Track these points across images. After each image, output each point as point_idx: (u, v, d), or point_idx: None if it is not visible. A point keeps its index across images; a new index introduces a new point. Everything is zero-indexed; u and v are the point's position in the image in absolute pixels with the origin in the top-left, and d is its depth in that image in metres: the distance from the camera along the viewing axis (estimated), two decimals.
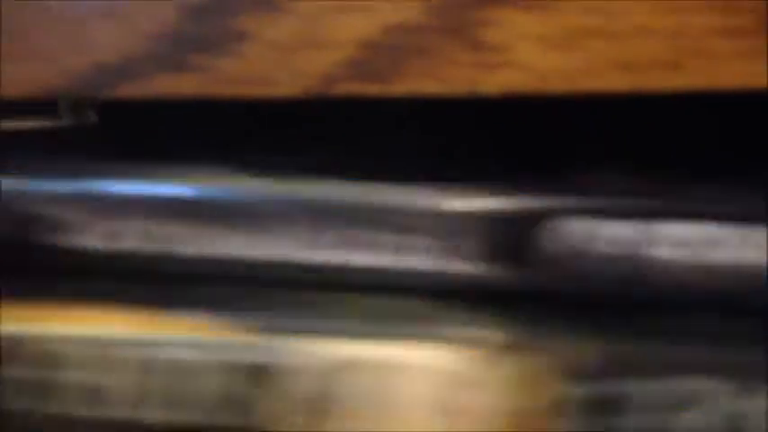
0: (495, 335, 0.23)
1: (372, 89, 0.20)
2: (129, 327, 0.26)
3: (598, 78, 0.19)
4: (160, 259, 0.26)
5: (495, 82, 0.19)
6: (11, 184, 0.26)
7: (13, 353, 0.25)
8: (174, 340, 0.25)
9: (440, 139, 0.25)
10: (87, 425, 0.25)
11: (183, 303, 0.26)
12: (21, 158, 0.26)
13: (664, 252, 0.22)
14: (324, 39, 0.20)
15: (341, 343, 0.24)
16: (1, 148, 0.25)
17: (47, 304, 0.26)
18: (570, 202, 0.23)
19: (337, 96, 0.20)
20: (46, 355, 0.25)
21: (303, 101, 0.20)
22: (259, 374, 0.24)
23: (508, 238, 0.23)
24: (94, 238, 0.26)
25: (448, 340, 0.23)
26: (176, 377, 0.24)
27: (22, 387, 0.25)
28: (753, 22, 0.17)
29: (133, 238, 0.26)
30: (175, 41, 0.21)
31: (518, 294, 0.23)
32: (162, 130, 0.26)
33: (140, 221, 0.26)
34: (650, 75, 0.18)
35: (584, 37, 0.19)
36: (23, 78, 0.22)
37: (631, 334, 0.23)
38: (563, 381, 0.22)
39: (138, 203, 0.26)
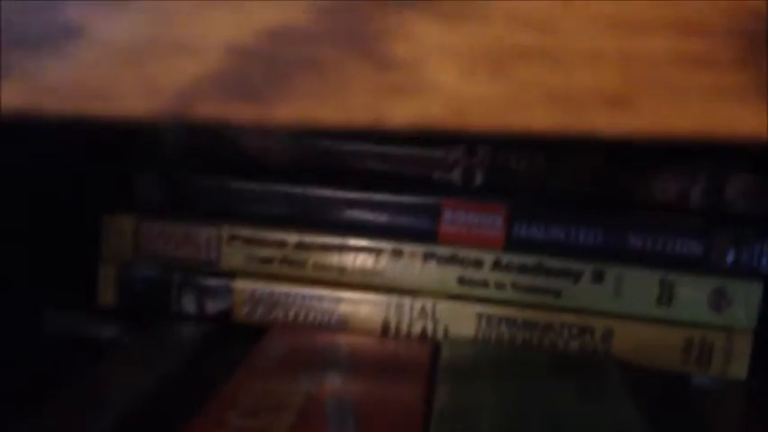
0: None
1: (246, 112, 0.15)
2: None
3: (527, 114, 0.15)
4: None
5: (402, 112, 0.15)
6: None
7: None
8: None
9: None
10: None
11: None
12: None
13: None
14: (182, 42, 0.15)
15: None
16: None
17: None
18: None
19: (197, 120, 0.15)
20: None
21: (151, 124, 0.15)
22: None
23: None
24: None
25: None
26: None
27: None
28: (730, 48, 0.14)
29: None
30: None
31: None
32: None
33: None
34: (593, 113, 0.14)
35: (514, 59, 0.15)
36: None
37: None
38: None
39: None
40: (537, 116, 0.14)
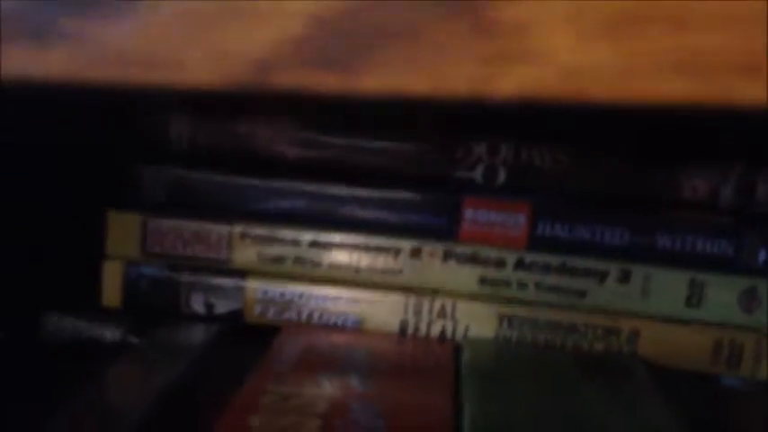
0: None
1: (329, 81, 0.14)
2: None
3: (651, 82, 0.13)
4: None
5: (509, 82, 0.13)
6: None
7: None
8: None
9: None
10: None
11: None
12: None
13: None
14: (259, 7, 0.14)
15: None
16: None
17: None
18: None
19: (276, 89, 0.14)
20: None
21: (227, 94, 0.14)
22: None
23: None
24: None
25: None
26: None
27: None
28: None
29: None
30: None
31: None
32: None
33: None
34: (725, 81, 0.13)
35: (635, 21, 0.13)
36: None
37: None
38: None
39: None
40: (662, 85, 0.13)
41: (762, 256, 0.39)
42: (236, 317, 0.41)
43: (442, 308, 0.41)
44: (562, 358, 0.39)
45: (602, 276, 0.40)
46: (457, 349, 0.40)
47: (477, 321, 0.41)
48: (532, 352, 0.40)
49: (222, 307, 0.41)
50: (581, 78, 0.13)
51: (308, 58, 0.13)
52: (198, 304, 0.41)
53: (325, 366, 0.36)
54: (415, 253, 0.41)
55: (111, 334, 0.40)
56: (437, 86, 0.13)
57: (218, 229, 0.41)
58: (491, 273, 0.40)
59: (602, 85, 0.13)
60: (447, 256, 0.40)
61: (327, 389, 0.33)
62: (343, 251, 0.41)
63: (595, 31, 0.13)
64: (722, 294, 0.40)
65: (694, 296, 0.40)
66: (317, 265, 0.41)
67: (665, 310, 0.40)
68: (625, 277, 0.40)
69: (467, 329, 0.41)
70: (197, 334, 0.40)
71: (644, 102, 0.13)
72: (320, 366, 0.36)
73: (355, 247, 0.41)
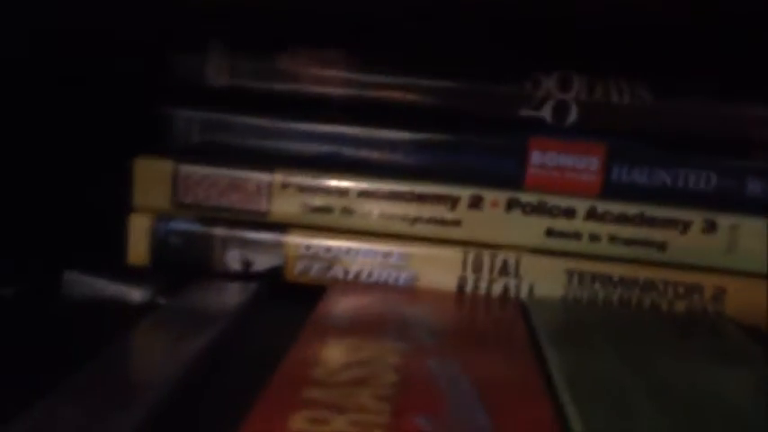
0: None
1: None
2: None
3: None
4: None
5: None
6: None
7: None
8: None
9: None
10: None
11: None
12: None
13: None
14: None
15: None
16: None
17: None
18: None
19: None
20: None
21: None
22: None
23: None
24: None
25: None
26: None
27: None
28: None
29: None
30: None
31: None
32: None
33: None
34: None
35: None
36: None
37: None
38: None
39: None
40: None
41: None
42: (276, 274, 0.37)
43: (505, 264, 0.37)
44: (643, 318, 0.35)
45: (685, 227, 0.36)
46: (523, 309, 0.36)
47: (543, 278, 0.37)
48: (609, 312, 0.36)
49: (261, 264, 0.37)
50: None
51: None
52: (234, 261, 0.37)
53: (387, 325, 0.32)
54: (475, 202, 0.36)
55: (137, 294, 0.36)
56: None
57: (257, 177, 0.37)
58: (560, 224, 0.36)
59: None
60: (511, 205, 0.36)
61: (396, 344, 0.29)
62: (394, 201, 0.37)
63: None
64: None
65: None
66: (366, 216, 0.37)
67: (754, 264, 0.36)
68: (711, 228, 0.36)
69: (532, 288, 0.37)
70: (233, 294, 0.36)
71: None
72: (380, 325, 0.32)
73: (408, 196, 0.37)
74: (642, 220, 0.36)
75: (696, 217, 0.36)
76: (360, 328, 0.31)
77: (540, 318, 0.34)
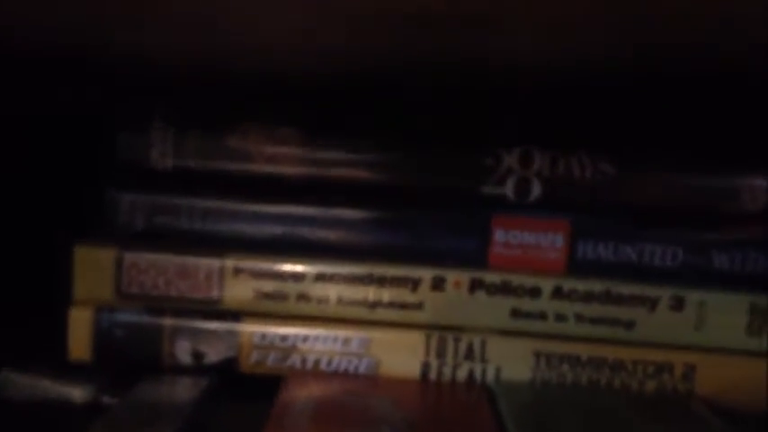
0: None
1: None
2: None
3: None
4: None
5: None
6: None
7: None
8: None
9: None
10: None
11: None
12: None
13: None
14: None
15: None
16: None
17: None
18: None
19: None
20: None
21: None
22: None
23: None
24: None
25: None
26: None
27: None
28: None
29: None
30: None
31: None
32: None
33: None
34: None
35: None
36: None
37: None
38: None
39: None
40: None
41: None
42: (229, 366, 0.35)
43: (469, 347, 0.35)
44: (612, 401, 0.34)
45: (653, 304, 0.35)
46: (490, 395, 0.34)
47: (509, 361, 0.35)
48: (577, 395, 0.34)
49: (213, 355, 0.35)
50: None
51: None
52: (184, 354, 0.35)
53: (350, 418, 0.30)
54: (438, 283, 0.35)
55: (79, 394, 0.34)
56: None
57: (207, 263, 0.35)
58: (525, 304, 0.35)
59: None
60: (474, 285, 0.35)
61: None
62: (352, 285, 0.35)
63: None
64: None
65: (755, 323, 0.35)
66: (324, 301, 0.35)
67: (723, 340, 0.35)
68: (678, 304, 0.35)
69: (498, 371, 0.35)
70: (184, 389, 0.34)
71: None
72: (344, 418, 0.30)
73: (367, 279, 0.35)
74: (609, 298, 0.35)
75: (663, 293, 0.35)
76: (322, 421, 0.29)
77: (507, 402, 0.33)
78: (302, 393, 0.32)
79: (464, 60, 0.29)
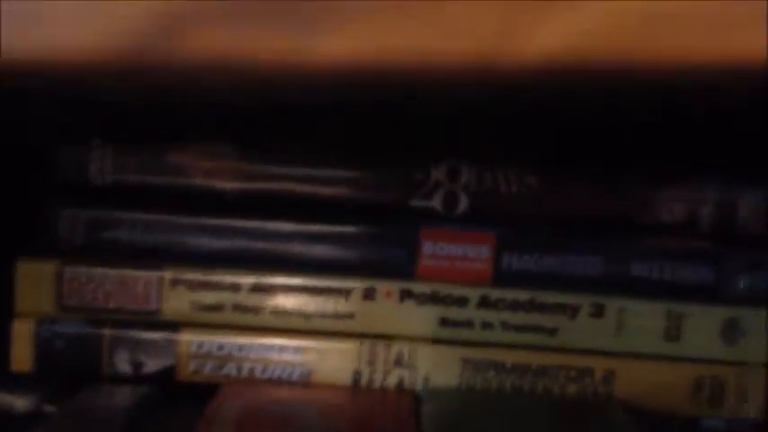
0: None
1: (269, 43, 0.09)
2: None
3: None
4: None
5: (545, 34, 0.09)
6: None
7: None
8: None
9: None
10: None
11: None
12: None
13: None
14: None
15: None
16: None
17: None
18: None
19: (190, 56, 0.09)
20: None
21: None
22: None
23: None
24: None
25: None
26: None
27: None
28: None
29: None
30: None
31: None
32: None
33: None
34: None
35: None
36: None
37: None
38: None
39: None
40: None
41: (744, 283, 0.36)
42: (167, 375, 0.36)
43: (399, 355, 0.37)
44: (533, 405, 0.35)
45: (574, 312, 0.36)
46: (417, 401, 0.35)
47: (438, 368, 0.37)
48: (500, 399, 0.36)
49: (152, 365, 0.36)
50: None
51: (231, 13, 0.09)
52: (123, 363, 0.36)
53: (273, 427, 0.32)
54: (368, 294, 0.36)
55: (21, 403, 0.35)
56: (439, 44, 0.09)
57: (146, 276, 0.36)
58: (453, 313, 0.37)
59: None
60: (404, 295, 0.36)
61: None
62: (287, 295, 0.36)
63: None
64: (702, 326, 0.36)
65: (673, 329, 0.36)
66: (259, 312, 0.36)
67: (641, 346, 0.37)
68: (598, 312, 0.36)
69: (427, 378, 0.37)
70: (123, 398, 0.35)
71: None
72: (267, 427, 0.31)
73: (301, 289, 0.36)
74: (532, 307, 0.36)
75: (584, 301, 0.36)
76: (247, 428, 0.31)
77: (432, 409, 0.34)
78: (232, 401, 0.34)
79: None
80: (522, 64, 0.09)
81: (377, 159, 0.37)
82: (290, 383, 0.36)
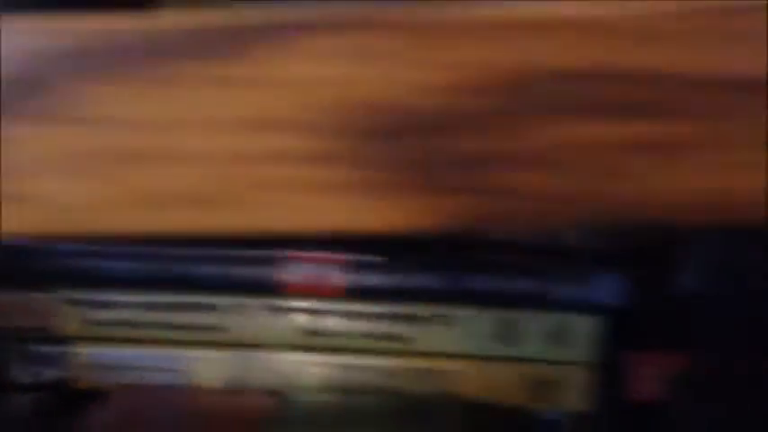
0: None
1: None
2: None
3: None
4: None
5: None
6: None
7: None
8: None
9: None
10: None
11: None
12: None
13: None
14: None
15: None
16: None
17: None
18: None
19: None
20: None
21: None
22: None
23: None
24: None
25: None
26: None
27: None
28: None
29: None
30: None
31: None
32: None
33: None
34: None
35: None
36: None
37: None
38: None
39: None
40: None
41: (567, 292, 0.41)
42: (63, 384, 0.41)
43: (268, 362, 0.42)
44: (381, 404, 0.40)
45: (420, 321, 0.41)
46: (283, 401, 0.41)
47: (303, 373, 0.42)
48: (354, 400, 0.41)
49: (48, 375, 0.41)
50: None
51: None
52: (22, 374, 0.41)
53: (145, 427, 0.37)
54: (239, 308, 0.41)
55: None
56: None
57: (42, 298, 0.41)
58: (314, 323, 0.41)
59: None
60: (271, 309, 0.41)
61: None
62: (169, 312, 0.41)
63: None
64: (533, 331, 0.41)
65: (507, 334, 0.41)
66: (144, 326, 0.41)
67: (480, 349, 0.41)
68: (441, 320, 0.41)
69: (293, 382, 0.42)
70: (20, 406, 0.40)
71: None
72: (137, 427, 0.37)
73: (181, 306, 0.41)
74: (384, 317, 0.41)
75: (428, 311, 0.41)
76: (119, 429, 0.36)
77: (287, 408, 0.39)
78: (111, 405, 0.39)
79: None
80: None
81: None
82: (170, 390, 0.41)
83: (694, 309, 0.40)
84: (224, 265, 0.42)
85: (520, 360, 0.42)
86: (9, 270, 0.42)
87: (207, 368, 0.42)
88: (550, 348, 0.41)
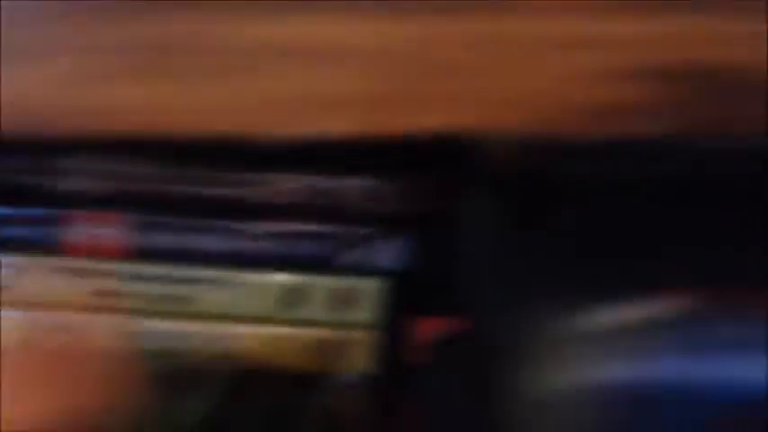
0: None
1: None
2: None
3: None
4: None
5: None
6: None
7: None
8: None
9: None
10: None
11: None
12: None
13: None
14: None
15: None
16: None
17: None
18: None
19: None
20: None
21: None
22: None
23: None
24: None
25: None
26: None
27: None
28: None
29: None
30: None
31: None
32: None
33: None
34: None
35: None
36: None
37: None
38: None
39: None
40: None
41: (353, 257, 0.41)
42: None
43: (56, 322, 0.42)
44: (161, 367, 0.41)
45: (204, 283, 0.41)
46: None
47: (91, 333, 0.42)
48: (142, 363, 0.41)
49: None
50: None
51: None
52: None
53: None
54: (23, 268, 0.41)
55: None
56: None
57: None
58: (99, 284, 0.41)
59: None
60: (55, 270, 0.41)
61: None
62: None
63: None
64: (318, 294, 0.41)
65: (293, 297, 0.41)
66: None
67: (264, 312, 0.42)
68: (225, 283, 0.41)
69: (83, 341, 0.42)
70: None
71: None
72: None
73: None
74: (169, 279, 0.41)
75: (213, 274, 0.41)
76: None
77: None
78: None
79: None
80: None
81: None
82: None
83: (474, 274, 0.40)
84: (7, 225, 0.42)
85: (305, 323, 0.42)
86: None
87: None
88: (336, 312, 0.41)
